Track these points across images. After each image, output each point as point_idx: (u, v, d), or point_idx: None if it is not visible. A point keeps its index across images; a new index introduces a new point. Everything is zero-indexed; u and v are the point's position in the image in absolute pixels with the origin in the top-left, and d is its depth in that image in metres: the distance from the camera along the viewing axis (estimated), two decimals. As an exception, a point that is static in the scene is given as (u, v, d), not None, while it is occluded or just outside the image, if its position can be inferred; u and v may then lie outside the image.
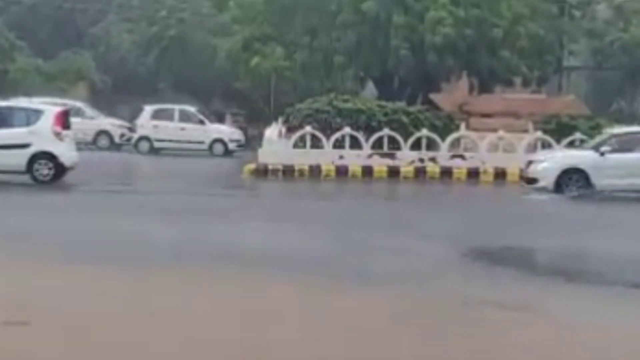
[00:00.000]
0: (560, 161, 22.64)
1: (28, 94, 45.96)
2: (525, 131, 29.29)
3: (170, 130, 37.48)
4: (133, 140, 38.49)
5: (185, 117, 38.91)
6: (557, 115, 30.14)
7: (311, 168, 27.14)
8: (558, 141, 27.65)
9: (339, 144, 27.95)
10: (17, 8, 55.14)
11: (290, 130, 28.62)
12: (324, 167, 27.25)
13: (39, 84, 52.05)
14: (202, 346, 7.31)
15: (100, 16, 56.00)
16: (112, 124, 40.72)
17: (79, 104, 40.82)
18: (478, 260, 12.41)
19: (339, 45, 37.30)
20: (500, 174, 27.54)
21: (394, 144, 27.97)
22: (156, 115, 38.51)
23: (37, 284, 9.47)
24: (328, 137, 27.91)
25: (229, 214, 17.13)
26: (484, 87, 37.98)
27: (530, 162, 23.41)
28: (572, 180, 21.87)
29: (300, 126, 28.31)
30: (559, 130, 28.74)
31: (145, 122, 38.26)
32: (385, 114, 28.81)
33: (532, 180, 22.69)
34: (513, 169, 27.14)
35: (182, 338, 7.49)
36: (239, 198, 22.09)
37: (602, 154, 21.93)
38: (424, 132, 28.42)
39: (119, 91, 53.78)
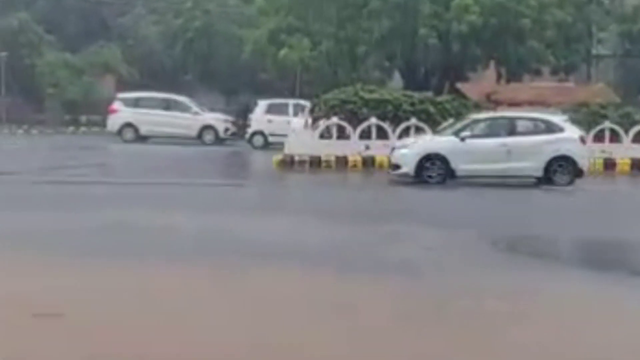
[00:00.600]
0: (421, 147, 22.40)
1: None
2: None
3: (284, 124, 37.40)
4: (247, 135, 38.54)
5: (300, 110, 38.97)
6: (587, 103, 29.90)
7: (337, 159, 27.06)
8: (587, 130, 27.40)
9: (365, 135, 27.83)
10: (44, 2, 55.42)
11: (317, 120, 28.55)
12: (350, 158, 27.16)
13: (66, 78, 52.34)
14: (231, 343, 7.26)
15: (127, 8, 56.18)
16: (216, 119, 40.61)
17: (181, 99, 40.96)
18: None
19: (366, 35, 37.19)
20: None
21: (421, 134, 27.82)
22: (270, 109, 38.49)
23: (75, 278, 9.45)
24: (354, 127, 27.80)
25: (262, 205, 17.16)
26: (512, 76, 37.81)
27: (393, 149, 23.30)
28: (432, 166, 21.75)
29: (327, 117, 28.21)
30: (589, 119, 28.48)
31: (260, 117, 38.24)
32: (412, 104, 28.66)
33: (396, 167, 22.50)
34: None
35: (210, 330, 7.45)
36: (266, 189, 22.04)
37: (463, 139, 21.81)
38: (451, 122, 28.22)
39: (146, 83, 53.91)
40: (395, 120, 28.13)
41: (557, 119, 23.27)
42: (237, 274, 9.94)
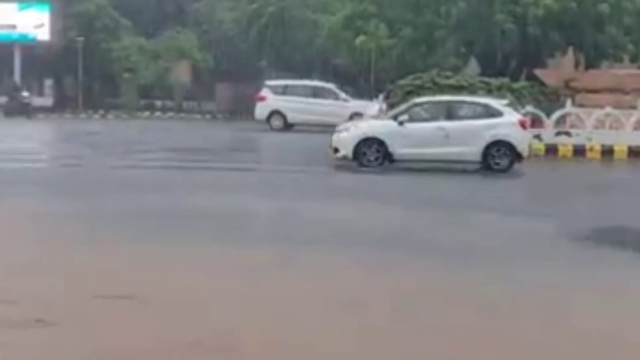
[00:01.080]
0: (359, 130, 22.28)
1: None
2: (634, 107, 28.56)
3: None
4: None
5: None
6: (667, 91, 29.30)
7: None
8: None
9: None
10: (121, -13, 56.01)
11: (391, 107, 28.37)
12: (426, 144, 26.94)
13: (142, 63, 52.87)
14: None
15: (202, -6, 56.53)
16: (364, 106, 40.27)
17: (329, 86, 41.02)
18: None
19: (442, 21, 36.86)
20: (607, 151, 26.93)
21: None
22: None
23: (166, 261, 9.53)
24: (431, 113, 27.59)
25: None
26: (590, 63, 37.15)
27: (336, 132, 23.05)
28: (370, 149, 21.53)
29: (402, 103, 28.00)
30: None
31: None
32: (489, 91, 28.32)
33: (336, 150, 22.24)
34: (620, 145, 26.48)
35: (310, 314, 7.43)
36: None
37: (401, 123, 21.68)
38: (529, 108, 27.87)
39: (220, 69, 54.23)
40: (472, 107, 27.82)
41: (497, 103, 23.02)
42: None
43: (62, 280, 8.34)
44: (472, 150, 21.44)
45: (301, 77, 51.91)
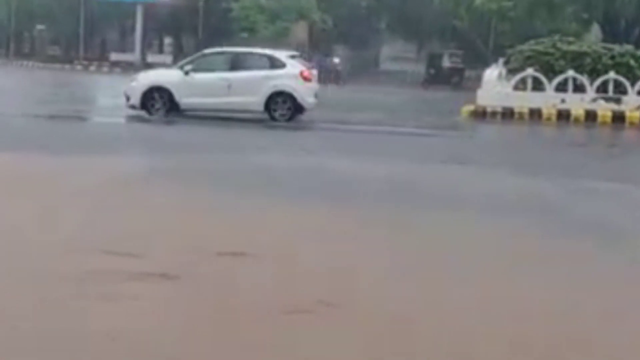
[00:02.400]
0: (146, 79, 22.51)
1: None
2: None
3: None
4: None
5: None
6: None
7: (531, 111, 26.47)
8: None
9: (561, 87, 27.10)
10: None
11: (511, 72, 28.01)
12: (544, 111, 26.49)
13: (261, 22, 53.23)
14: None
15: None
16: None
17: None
18: None
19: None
20: None
21: (620, 88, 26.87)
22: None
23: (267, 220, 9.63)
24: (550, 80, 27.10)
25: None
26: None
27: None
28: (157, 98, 21.73)
29: (522, 68, 27.60)
30: None
31: None
32: (612, 57, 27.62)
33: (127, 99, 22.28)
34: None
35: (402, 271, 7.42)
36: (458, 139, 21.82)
37: (187, 72, 21.87)
38: (652, 77, 27.14)
39: (338, 31, 54.21)
40: (594, 74, 27.24)
41: (281, 54, 23.00)
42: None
43: (179, 237, 8.51)
44: (255, 100, 21.65)
45: (420, 40, 51.59)
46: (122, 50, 57.85)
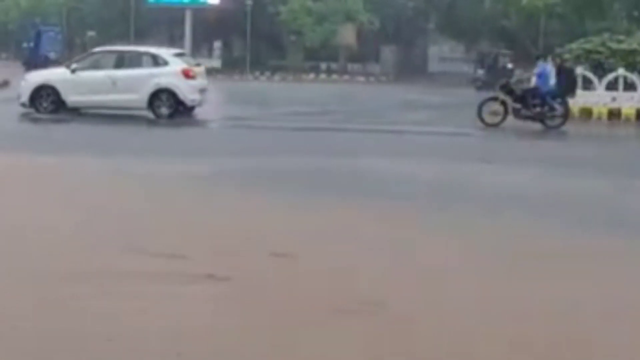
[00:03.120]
0: (35, 78, 22.92)
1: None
2: None
3: None
4: None
5: None
6: None
7: (581, 110, 26.26)
8: None
9: (611, 86, 26.86)
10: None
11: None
12: (595, 110, 26.29)
13: (308, 25, 53.35)
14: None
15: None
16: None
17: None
18: None
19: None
20: None
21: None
22: None
23: (303, 220, 9.67)
24: (600, 78, 26.90)
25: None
26: None
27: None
28: (45, 97, 21.97)
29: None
30: None
31: None
32: (664, 55, 27.37)
33: (19, 96, 22.52)
34: None
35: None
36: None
37: (73, 71, 22.25)
38: None
39: (386, 32, 54.15)
40: (645, 72, 27.02)
41: (165, 52, 23.53)
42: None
43: (228, 238, 8.59)
44: (138, 98, 21.83)
45: (468, 40, 51.29)
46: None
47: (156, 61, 22.79)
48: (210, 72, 47.99)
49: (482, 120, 21.90)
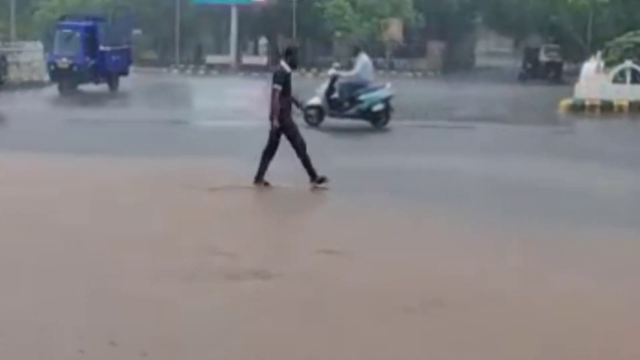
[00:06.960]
0: None
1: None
2: None
3: None
4: None
5: None
6: None
7: (631, 104, 25.90)
8: None
9: (661, 79, 26.49)
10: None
11: (609, 65, 27.48)
12: (645, 103, 25.95)
13: (354, 21, 53.15)
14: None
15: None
16: None
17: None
18: None
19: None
20: None
21: None
22: None
23: (360, 219, 9.67)
24: (650, 71, 26.54)
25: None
26: None
27: None
28: None
29: (620, 60, 27.05)
30: None
31: None
32: None
33: None
34: None
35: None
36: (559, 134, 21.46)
37: None
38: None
39: (432, 27, 53.85)
40: (695, 65, 26.57)
41: None
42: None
43: (277, 236, 8.68)
44: None
45: (517, 35, 50.79)
46: (218, 52, 58.32)
47: None
48: (255, 69, 48.31)
49: None
